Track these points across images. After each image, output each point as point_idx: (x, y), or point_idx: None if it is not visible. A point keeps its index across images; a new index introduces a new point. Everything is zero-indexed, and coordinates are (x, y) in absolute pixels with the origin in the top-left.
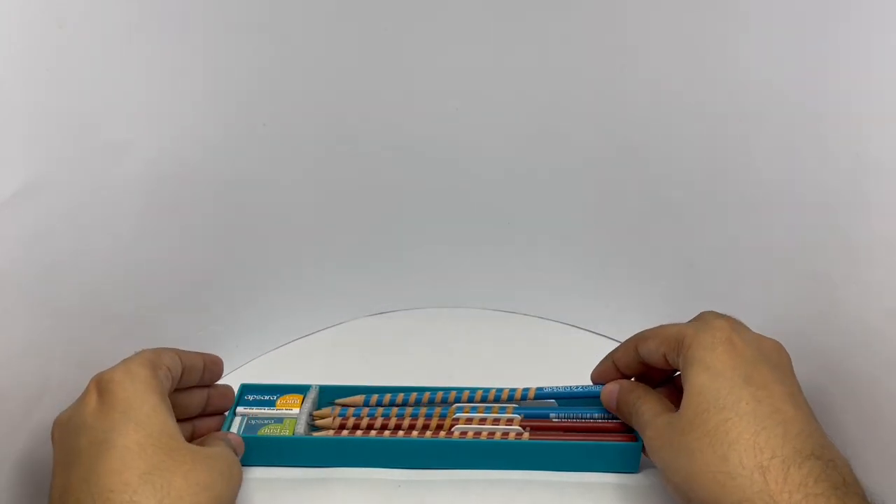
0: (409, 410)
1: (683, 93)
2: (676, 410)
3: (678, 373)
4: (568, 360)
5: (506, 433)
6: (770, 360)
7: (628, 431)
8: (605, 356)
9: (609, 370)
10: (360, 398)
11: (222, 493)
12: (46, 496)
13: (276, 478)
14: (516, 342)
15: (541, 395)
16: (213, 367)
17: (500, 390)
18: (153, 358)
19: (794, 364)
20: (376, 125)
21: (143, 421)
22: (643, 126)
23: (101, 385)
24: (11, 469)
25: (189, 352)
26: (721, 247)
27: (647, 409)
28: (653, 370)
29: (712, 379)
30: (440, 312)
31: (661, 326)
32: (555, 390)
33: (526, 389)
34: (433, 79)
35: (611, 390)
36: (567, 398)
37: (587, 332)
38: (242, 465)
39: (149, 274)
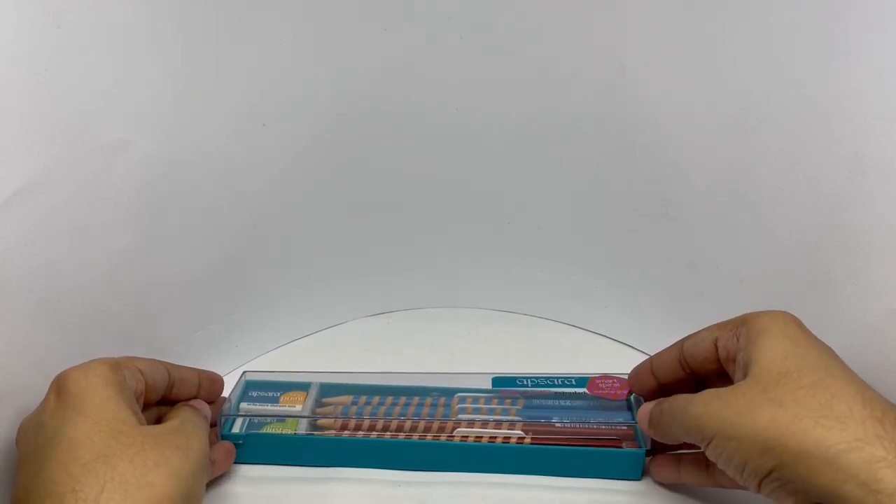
0: (411, 411)
1: (684, 93)
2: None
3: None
4: (568, 360)
5: (507, 437)
6: (834, 351)
7: (631, 438)
8: (644, 360)
9: (644, 372)
10: (348, 398)
11: (179, 467)
12: None
13: (276, 476)
14: (516, 342)
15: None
16: (210, 385)
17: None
18: (122, 360)
19: None
20: (376, 125)
21: (91, 411)
22: (643, 126)
23: (59, 384)
24: (10, 470)
25: (182, 366)
26: (721, 247)
27: (683, 396)
28: (683, 381)
29: (796, 345)
30: (440, 312)
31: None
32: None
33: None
34: (433, 79)
35: (643, 411)
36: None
37: (587, 332)
38: (245, 464)
39: (148, 274)
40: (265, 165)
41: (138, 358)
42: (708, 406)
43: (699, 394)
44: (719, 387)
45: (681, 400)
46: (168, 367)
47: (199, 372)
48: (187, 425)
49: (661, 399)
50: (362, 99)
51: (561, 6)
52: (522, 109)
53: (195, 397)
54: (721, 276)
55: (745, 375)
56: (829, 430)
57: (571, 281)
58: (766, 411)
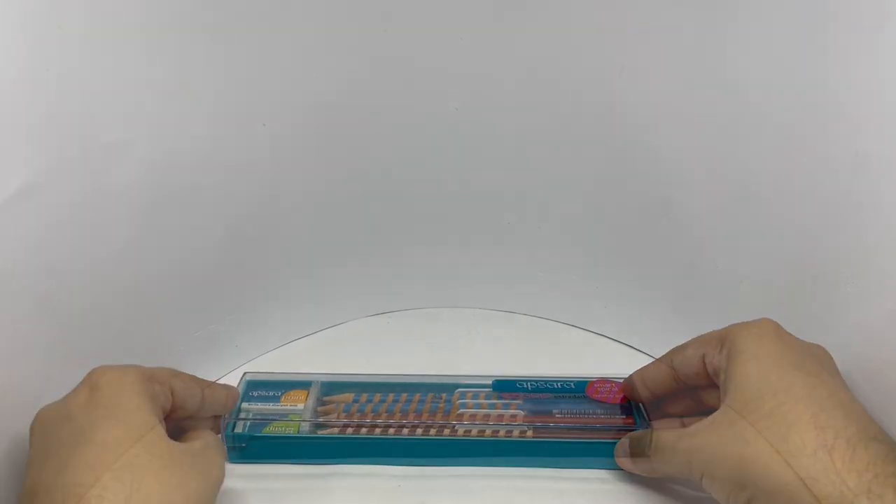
0: (413, 407)
1: (683, 93)
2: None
3: (691, 389)
4: (568, 361)
5: (509, 431)
6: (816, 355)
7: (632, 428)
8: (632, 373)
9: (638, 386)
10: (349, 396)
11: (197, 490)
12: None
13: (277, 474)
14: (516, 342)
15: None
16: (229, 403)
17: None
18: (157, 372)
19: None
20: (376, 125)
21: (124, 418)
22: (643, 126)
23: (93, 380)
24: (10, 470)
25: (217, 385)
26: (721, 247)
27: (669, 431)
28: (677, 392)
29: (762, 368)
30: (440, 312)
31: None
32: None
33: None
34: (433, 79)
35: (622, 443)
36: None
37: (587, 332)
38: (248, 463)
39: (148, 274)
40: (265, 166)
41: (177, 374)
42: (694, 441)
43: (687, 430)
44: (713, 397)
45: (669, 435)
46: (203, 388)
47: (229, 392)
48: (209, 451)
49: (640, 432)
50: (362, 99)
51: (561, 6)
52: (522, 109)
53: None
54: (721, 276)
55: (724, 400)
56: (784, 467)
57: (571, 281)
58: (734, 448)
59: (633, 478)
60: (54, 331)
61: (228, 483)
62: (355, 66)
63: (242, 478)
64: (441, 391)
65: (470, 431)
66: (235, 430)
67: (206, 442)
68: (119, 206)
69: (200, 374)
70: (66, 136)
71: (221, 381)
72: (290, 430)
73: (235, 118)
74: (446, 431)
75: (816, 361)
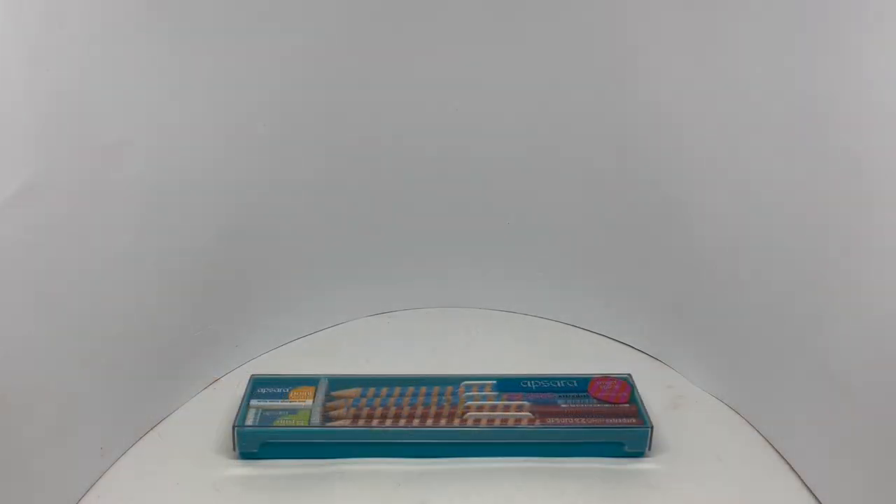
0: (420, 400)
1: (683, 93)
2: None
3: None
4: (568, 360)
5: (518, 419)
6: None
7: (635, 416)
8: None
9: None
10: (356, 391)
11: None
12: (45, 495)
13: (280, 475)
14: (516, 342)
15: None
16: None
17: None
18: None
19: (794, 364)
20: (376, 126)
21: None
22: (643, 126)
23: None
24: (12, 469)
25: None
26: (721, 247)
27: None
28: None
29: None
30: (440, 312)
31: None
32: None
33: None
34: (433, 80)
35: None
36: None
37: (587, 332)
38: (257, 459)
39: (147, 273)
40: (265, 166)
41: None
42: None
43: None
44: None
45: None
46: None
47: None
48: None
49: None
50: (362, 100)
51: (561, 7)
52: (522, 110)
53: None
54: (721, 276)
55: None
56: None
57: (571, 281)
58: None
59: (632, 477)
60: (54, 330)
61: (230, 483)
62: (356, 68)
63: (243, 478)
64: (447, 384)
65: (480, 421)
66: (245, 424)
67: None
68: (119, 207)
69: (200, 374)
70: (66, 137)
71: (221, 381)
72: (300, 423)
73: (235, 118)
74: (456, 421)
75: None
